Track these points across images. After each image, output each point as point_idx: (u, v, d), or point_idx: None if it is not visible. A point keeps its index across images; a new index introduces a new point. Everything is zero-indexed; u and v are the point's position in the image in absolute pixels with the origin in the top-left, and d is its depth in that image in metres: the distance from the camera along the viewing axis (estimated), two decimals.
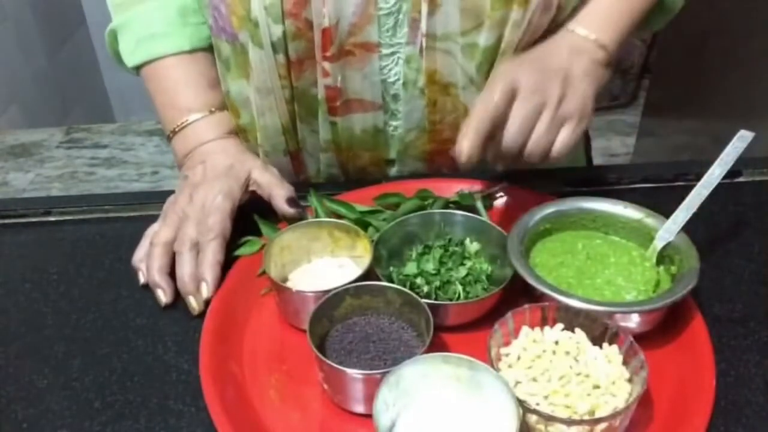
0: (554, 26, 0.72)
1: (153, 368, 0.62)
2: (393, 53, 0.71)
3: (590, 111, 0.67)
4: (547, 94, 0.64)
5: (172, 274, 0.68)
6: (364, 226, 0.71)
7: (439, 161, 0.80)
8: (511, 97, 0.62)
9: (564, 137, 0.65)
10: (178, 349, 0.64)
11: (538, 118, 0.64)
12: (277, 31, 0.68)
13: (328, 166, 0.80)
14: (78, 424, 0.58)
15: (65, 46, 2.44)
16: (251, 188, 0.74)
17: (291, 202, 0.72)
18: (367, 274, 0.63)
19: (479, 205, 0.72)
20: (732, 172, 0.71)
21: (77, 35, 2.53)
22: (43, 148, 2.25)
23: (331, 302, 0.60)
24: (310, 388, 0.59)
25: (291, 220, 0.72)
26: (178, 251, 0.68)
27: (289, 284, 0.66)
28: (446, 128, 0.75)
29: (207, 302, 0.66)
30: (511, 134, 0.63)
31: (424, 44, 0.69)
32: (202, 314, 0.65)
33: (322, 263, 0.69)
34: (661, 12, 0.77)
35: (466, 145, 0.60)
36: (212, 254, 0.68)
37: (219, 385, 0.58)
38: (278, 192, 0.73)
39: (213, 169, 0.74)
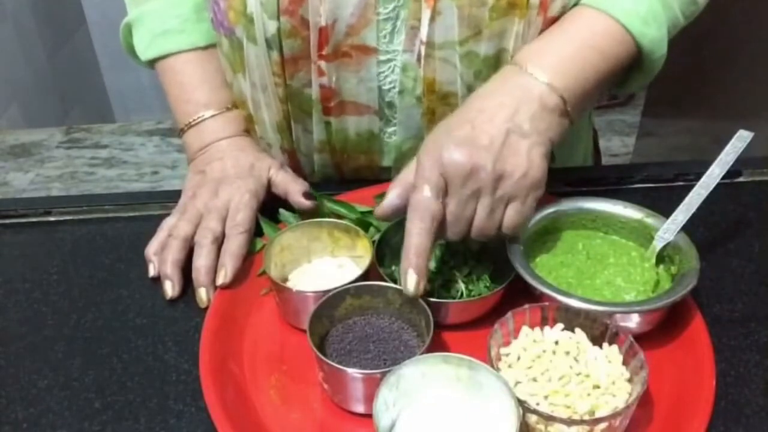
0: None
1: (153, 368, 0.62)
2: (389, 60, 0.70)
3: (540, 179, 0.60)
4: (480, 180, 0.58)
5: (183, 269, 0.69)
6: (365, 226, 0.71)
7: None
8: (443, 186, 0.58)
9: (510, 216, 0.61)
10: (178, 349, 0.64)
11: (476, 204, 0.60)
12: (272, 27, 0.68)
13: (323, 166, 0.80)
14: (78, 424, 0.58)
15: (65, 46, 2.44)
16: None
17: (307, 195, 0.73)
18: (367, 275, 0.63)
19: None
20: (732, 172, 0.71)
21: (77, 35, 2.53)
22: (43, 148, 2.24)
23: (331, 302, 0.60)
24: (310, 388, 0.59)
25: (305, 215, 0.72)
26: (198, 243, 0.69)
27: (289, 284, 0.66)
28: None
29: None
30: (450, 232, 0.60)
31: (422, 52, 0.68)
32: (202, 314, 0.65)
33: (322, 263, 0.69)
34: (641, 71, 0.69)
35: (411, 283, 0.58)
36: (237, 246, 0.69)
37: (219, 385, 0.58)
38: (294, 187, 0.74)
39: (235, 167, 0.75)
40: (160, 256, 0.69)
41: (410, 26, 0.68)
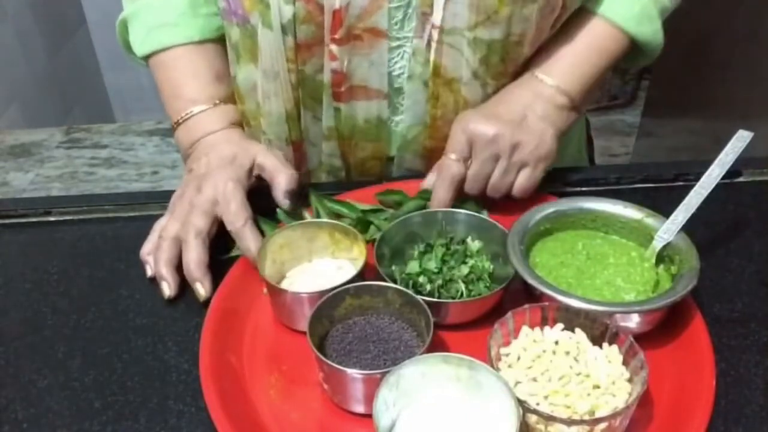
0: (522, 68, 0.76)
1: (153, 368, 0.62)
2: (399, 46, 0.72)
3: (549, 153, 0.72)
4: (500, 145, 0.70)
5: (179, 268, 0.69)
6: (366, 225, 0.71)
7: (437, 158, 0.80)
8: (468, 152, 0.71)
9: (521, 182, 0.72)
10: (178, 349, 0.64)
11: (494, 166, 0.71)
12: (288, 12, 0.69)
13: (330, 156, 0.81)
14: (78, 424, 0.58)
15: (65, 46, 2.44)
16: (255, 173, 0.74)
17: (290, 194, 0.72)
18: (361, 277, 0.63)
19: (480, 209, 0.73)
20: (732, 172, 0.71)
21: (77, 35, 2.53)
22: (43, 148, 2.24)
23: (331, 302, 0.60)
24: (310, 388, 0.59)
25: (289, 214, 0.72)
26: (183, 240, 0.68)
27: (285, 282, 0.66)
28: (446, 124, 0.75)
29: (212, 292, 0.67)
30: (469, 184, 0.72)
31: (434, 37, 0.70)
32: (202, 314, 0.64)
33: (322, 264, 0.69)
34: (641, 54, 0.77)
35: (436, 206, 0.72)
36: (250, 238, 0.68)
37: (219, 385, 0.58)
38: (280, 180, 0.72)
39: (217, 159, 0.74)
40: (154, 257, 0.70)
41: (421, 12, 0.69)
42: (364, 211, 0.73)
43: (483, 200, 0.74)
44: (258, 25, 0.72)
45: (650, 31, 0.74)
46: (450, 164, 0.71)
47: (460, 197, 0.73)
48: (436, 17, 0.69)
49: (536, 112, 0.72)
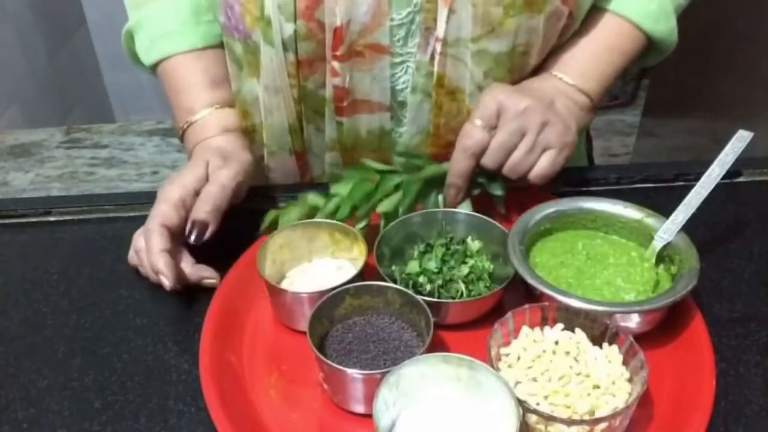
0: (542, 67, 0.76)
1: (153, 368, 0.62)
2: (403, 62, 0.72)
3: (572, 142, 0.70)
4: (529, 119, 0.68)
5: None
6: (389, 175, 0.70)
7: None
8: (494, 122, 0.68)
9: (543, 164, 0.69)
10: (178, 349, 0.64)
11: (520, 140, 0.68)
12: (288, 29, 0.68)
13: (333, 165, 0.81)
14: (78, 424, 0.58)
15: (65, 46, 2.44)
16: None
17: (197, 228, 0.68)
18: (361, 276, 0.63)
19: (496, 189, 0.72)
20: (732, 172, 0.71)
21: (77, 35, 2.52)
22: (43, 148, 2.24)
23: (331, 302, 0.60)
24: (310, 388, 0.59)
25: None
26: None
27: (285, 282, 0.66)
28: (449, 132, 0.75)
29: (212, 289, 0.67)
30: (489, 156, 0.69)
31: (437, 49, 0.69)
32: (202, 314, 0.64)
33: (322, 264, 0.69)
34: (655, 51, 0.78)
35: (451, 196, 0.70)
36: (155, 244, 0.65)
37: (219, 385, 0.58)
38: (194, 212, 0.68)
39: (186, 168, 0.73)
40: (158, 271, 0.67)
41: (425, 28, 0.69)
42: (379, 172, 0.71)
43: (505, 180, 0.71)
44: (260, 41, 0.71)
45: (666, 29, 0.74)
46: (474, 131, 0.68)
47: (482, 172, 0.71)
48: (440, 29, 0.68)
49: (561, 102, 0.72)
